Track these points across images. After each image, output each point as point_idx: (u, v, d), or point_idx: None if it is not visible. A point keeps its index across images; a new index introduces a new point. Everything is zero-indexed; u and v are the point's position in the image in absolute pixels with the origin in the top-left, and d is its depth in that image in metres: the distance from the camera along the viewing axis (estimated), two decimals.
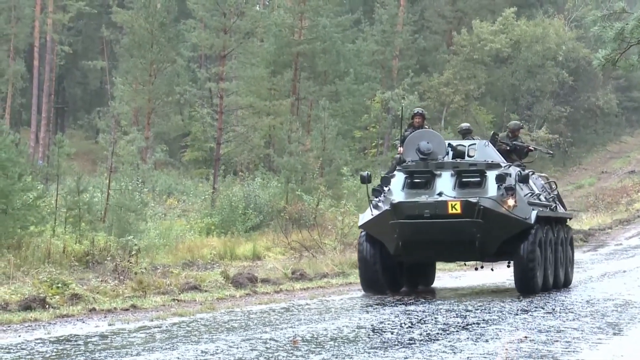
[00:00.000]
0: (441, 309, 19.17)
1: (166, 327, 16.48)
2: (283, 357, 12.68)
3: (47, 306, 19.16)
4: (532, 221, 22.19)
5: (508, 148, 25.34)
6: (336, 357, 12.61)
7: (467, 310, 18.70)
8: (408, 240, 22.24)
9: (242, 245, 33.83)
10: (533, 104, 70.30)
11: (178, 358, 12.68)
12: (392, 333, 15.16)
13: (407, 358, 12.49)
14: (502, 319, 17.29)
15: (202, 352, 13.24)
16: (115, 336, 15.34)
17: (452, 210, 21.71)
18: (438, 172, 22.66)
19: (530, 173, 24.37)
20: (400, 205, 22.07)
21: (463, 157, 23.32)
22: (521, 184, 22.89)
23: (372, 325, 16.17)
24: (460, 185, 22.52)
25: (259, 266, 29.10)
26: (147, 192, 38.61)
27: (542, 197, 24.33)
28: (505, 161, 23.65)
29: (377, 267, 22.98)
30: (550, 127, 67.37)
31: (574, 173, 68.26)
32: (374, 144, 58.38)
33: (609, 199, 57.98)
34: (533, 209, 22.48)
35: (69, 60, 76.16)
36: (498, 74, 68.16)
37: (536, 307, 19.39)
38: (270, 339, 14.58)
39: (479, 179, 22.59)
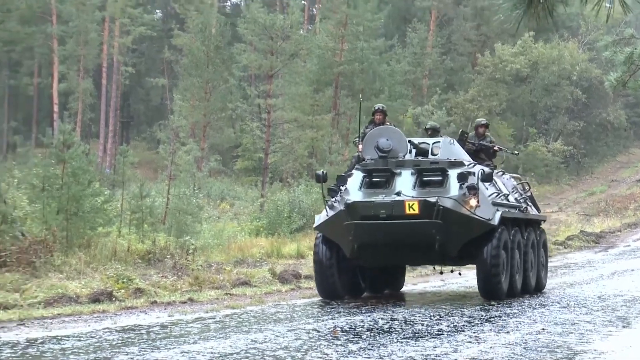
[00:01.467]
0: (467, 303, 19.17)
1: (220, 318, 16.51)
2: (324, 345, 12.68)
3: (113, 299, 19.28)
4: (496, 222, 19.10)
5: (475, 147, 22.58)
6: (372, 346, 12.61)
7: (491, 305, 18.63)
8: (363, 242, 19.17)
9: (287, 245, 33.81)
10: (550, 119, 70.00)
11: (230, 346, 12.69)
12: (422, 325, 15.13)
13: (436, 347, 12.46)
14: (522, 313, 17.21)
15: (251, 340, 13.25)
16: (174, 326, 15.40)
17: (409, 210, 18.57)
18: (398, 171, 19.51)
19: (500, 173, 22.09)
20: (354, 205, 19.02)
21: (426, 156, 20.24)
22: (486, 184, 19.78)
23: (404, 318, 16.10)
24: (421, 184, 19.31)
25: (302, 264, 29.02)
26: (202, 197, 38.64)
27: (511, 198, 21.29)
28: (470, 160, 20.74)
29: (333, 271, 19.95)
30: (565, 140, 67.07)
31: (587, 181, 67.90)
32: None
33: (618, 205, 57.60)
34: (497, 210, 19.42)
35: (133, 79, 76.50)
36: (518, 92, 67.89)
37: (552, 302, 19.29)
38: (312, 330, 14.61)
39: (440, 177, 19.41)
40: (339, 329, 14.45)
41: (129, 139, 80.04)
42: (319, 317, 16.64)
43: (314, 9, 79.74)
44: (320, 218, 20.19)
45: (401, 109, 54.86)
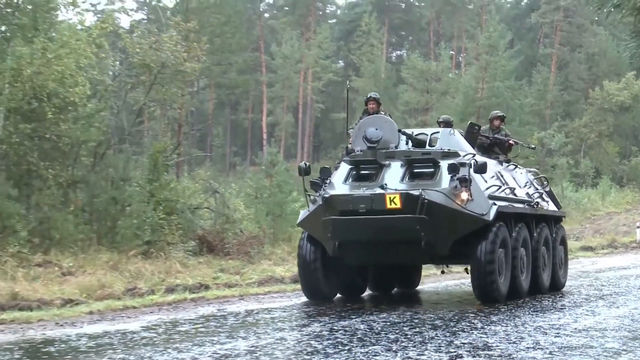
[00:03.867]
0: (583, 283, 18.47)
1: (390, 296, 16.39)
2: (472, 317, 12.53)
3: None
4: (490, 218, 13.85)
5: (489, 141, 17.18)
6: (508, 317, 12.42)
7: (602, 285, 18.07)
8: (343, 239, 14.18)
9: None
10: None
11: (399, 316, 12.65)
12: (548, 301, 14.79)
13: (560, 318, 12.15)
14: (629, 292, 16.56)
15: (415, 312, 13.15)
16: (354, 301, 15.42)
17: (390, 204, 13.51)
18: (387, 162, 14.36)
19: (512, 167, 16.74)
20: (332, 199, 14.00)
21: (423, 147, 14.93)
22: (484, 176, 14.46)
23: (534, 296, 15.76)
24: (412, 176, 14.18)
25: None
26: None
27: (520, 192, 15.88)
28: (472, 151, 15.19)
29: (318, 271, 14.82)
30: None
31: None
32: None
33: None
34: (494, 204, 14.13)
35: (322, 113, 77.10)
36: (622, 119, 65.78)
37: None
38: (460, 303, 14.45)
39: (432, 169, 14.22)
40: (482, 306, 14.22)
41: (319, 158, 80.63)
42: (466, 294, 16.40)
43: (460, 57, 79.13)
44: (303, 214, 15.23)
45: (528, 132, 53.91)
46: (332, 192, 14.16)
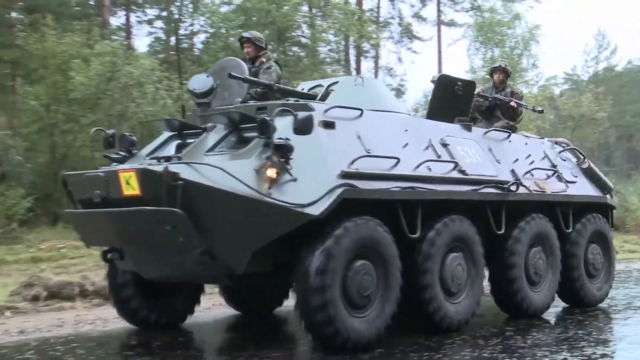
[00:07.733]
0: None
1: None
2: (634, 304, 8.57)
3: None
4: (319, 211, 4.88)
5: (488, 102, 8.85)
6: None
7: None
8: (95, 244, 6.20)
9: None
10: None
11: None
12: None
13: None
14: None
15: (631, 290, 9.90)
16: None
17: (127, 189, 4.90)
18: (210, 125, 5.68)
19: (504, 134, 7.57)
20: (64, 180, 5.72)
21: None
22: (387, 140, 5.95)
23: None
24: (235, 143, 5.50)
25: None
26: None
27: (478, 169, 6.72)
28: (399, 109, 6.80)
29: (129, 285, 6.50)
30: None
31: None
32: None
33: None
34: (338, 187, 5.09)
35: None
36: None
37: None
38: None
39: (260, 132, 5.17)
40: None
41: None
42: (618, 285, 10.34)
43: None
44: None
45: None
46: (83, 172, 5.95)
